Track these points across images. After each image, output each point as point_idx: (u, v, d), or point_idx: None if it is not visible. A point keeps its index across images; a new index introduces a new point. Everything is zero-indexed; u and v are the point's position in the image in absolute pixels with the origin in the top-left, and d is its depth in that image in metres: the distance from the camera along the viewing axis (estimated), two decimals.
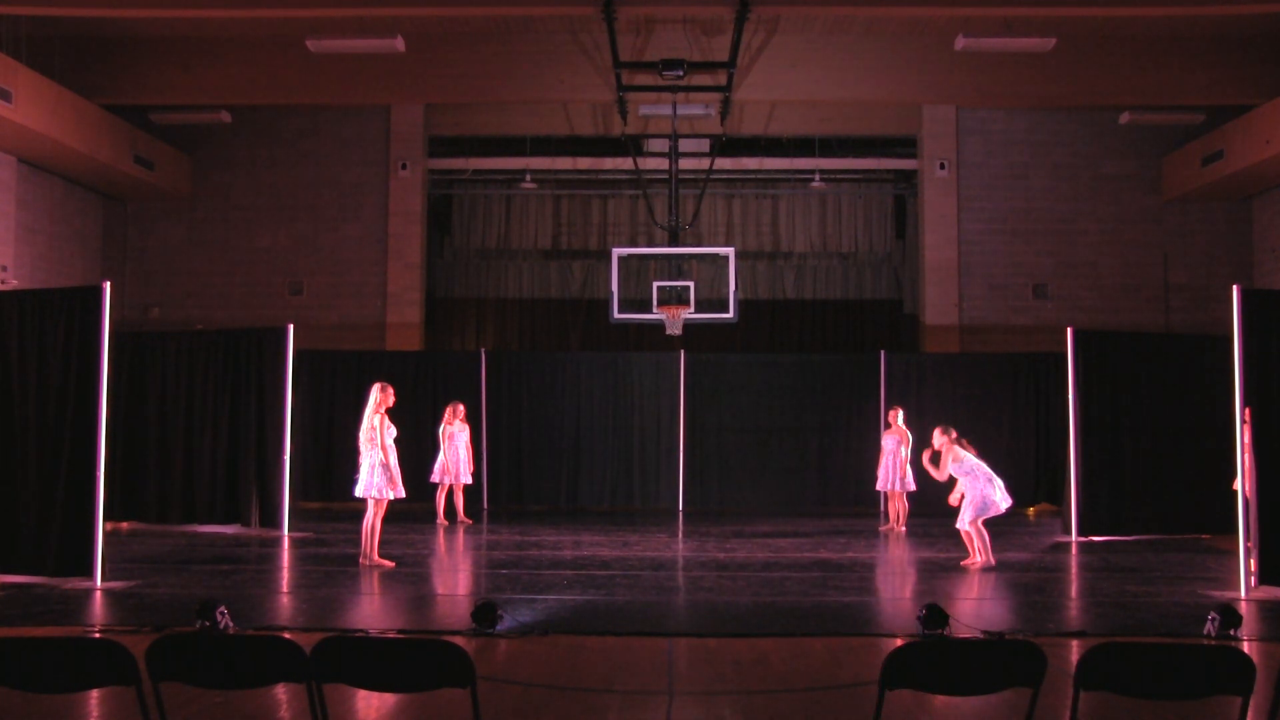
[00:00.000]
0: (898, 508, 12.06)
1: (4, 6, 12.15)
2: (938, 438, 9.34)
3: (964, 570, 9.18)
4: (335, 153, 16.62)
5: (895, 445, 11.94)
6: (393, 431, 9.19)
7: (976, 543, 9.27)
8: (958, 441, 9.27)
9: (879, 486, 12.27)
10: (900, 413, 12.15)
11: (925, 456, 9.54)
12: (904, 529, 11.89)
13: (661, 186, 15.56)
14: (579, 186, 17.16)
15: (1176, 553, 10.31)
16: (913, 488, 12.03)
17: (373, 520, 9.15)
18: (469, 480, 12.56)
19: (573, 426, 14.42)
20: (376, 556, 9.22)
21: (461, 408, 12.48)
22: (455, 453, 12.28)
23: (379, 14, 13.37)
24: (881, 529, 12.10)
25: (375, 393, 9.13)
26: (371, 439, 9.03)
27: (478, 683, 3.65)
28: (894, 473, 11.92)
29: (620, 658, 6.05)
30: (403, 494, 9.22)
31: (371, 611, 7.61)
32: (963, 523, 9.21)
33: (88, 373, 8.10)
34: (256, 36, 14.65)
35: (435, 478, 12.41)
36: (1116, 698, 3.71)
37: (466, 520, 12.57)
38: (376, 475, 8.99)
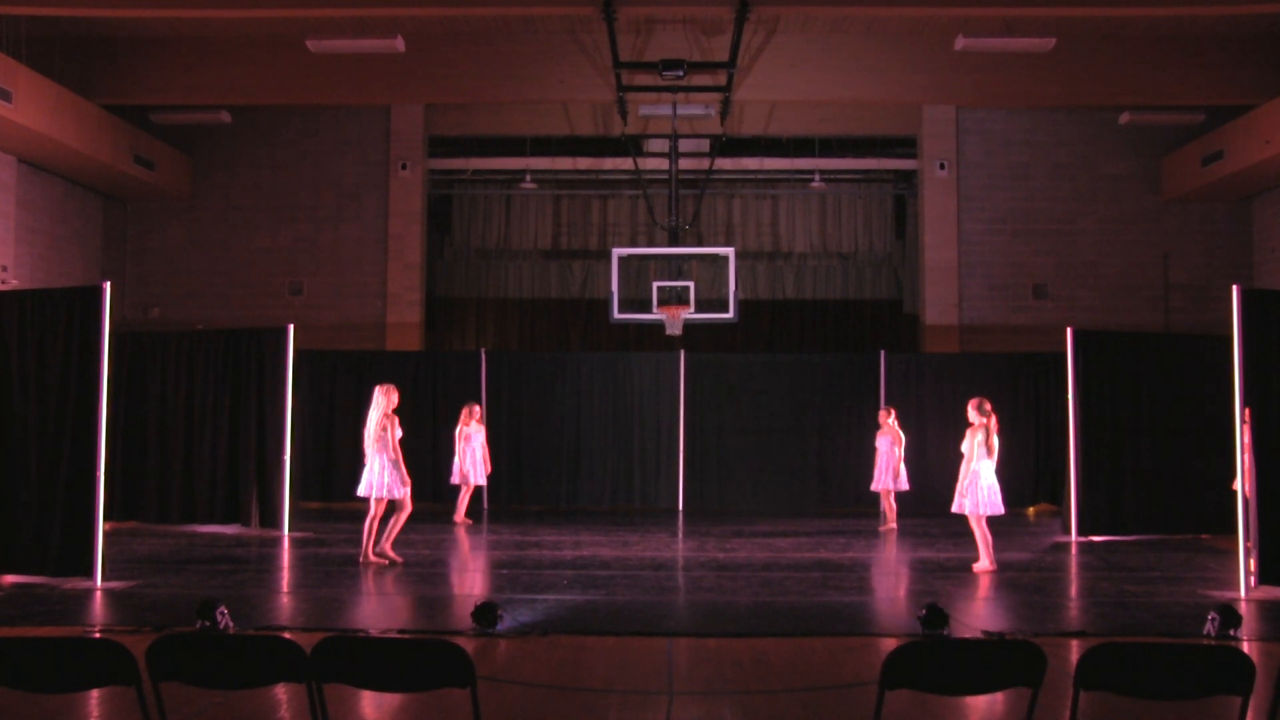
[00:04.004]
0: (889, 507, 12.04)
1: (4, 6, 12.14)
2: (974, 415, 8.98)
3: (964, 570, 9.17)
4: (335, 153, 16.62)
5: (889, 446, 11.92)
6: (398, 432, 9.27)
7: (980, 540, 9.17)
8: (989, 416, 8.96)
9: (874, 487, 12.23)
10: (893, 413, 12.14)
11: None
12: (895, 527, 11.90)
13: (661, 186, 15.56)
14: (579, 186, 17.15)
15: (1176, 553, 10.31)
16: (905, 487, 12.01)
17: (373, 518, 9.22)
18: (482, 482, 12.56)
19: (573, 426, 14.41)
20: (372, 554, 9.31)
21: (478, 409, 12.50)
22: (472, 454, 12.26)
23: (379, 14, 13.37)
24: (881, 529, 12.10)
25: (381, 395, 9.19)
26: (380, 440, 9.09)
27: (478, 683, 3.65)
28: (887, 473, 11.89)
29: (620, 658, 6.05)
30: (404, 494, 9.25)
31: (371, 611, 7.61)
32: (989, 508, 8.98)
33: (88, 373, 8.10)
34: (256, 36, 14.65)
35: (456, 479, 12.40)
36: (1116, 698, 3.71)
37: (466, 520, 12.56)
38: (387, 475, 9.07)
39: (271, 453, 11.45)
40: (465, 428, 12.32)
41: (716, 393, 14.38)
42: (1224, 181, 14.87)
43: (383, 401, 9.16)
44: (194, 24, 14.10)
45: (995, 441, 8.94)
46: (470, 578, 9.36)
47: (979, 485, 8.88)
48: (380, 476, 9.08)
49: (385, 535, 9.40)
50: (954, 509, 9.10)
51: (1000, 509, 8.99)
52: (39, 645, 3.83)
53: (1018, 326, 16.18)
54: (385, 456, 9.08)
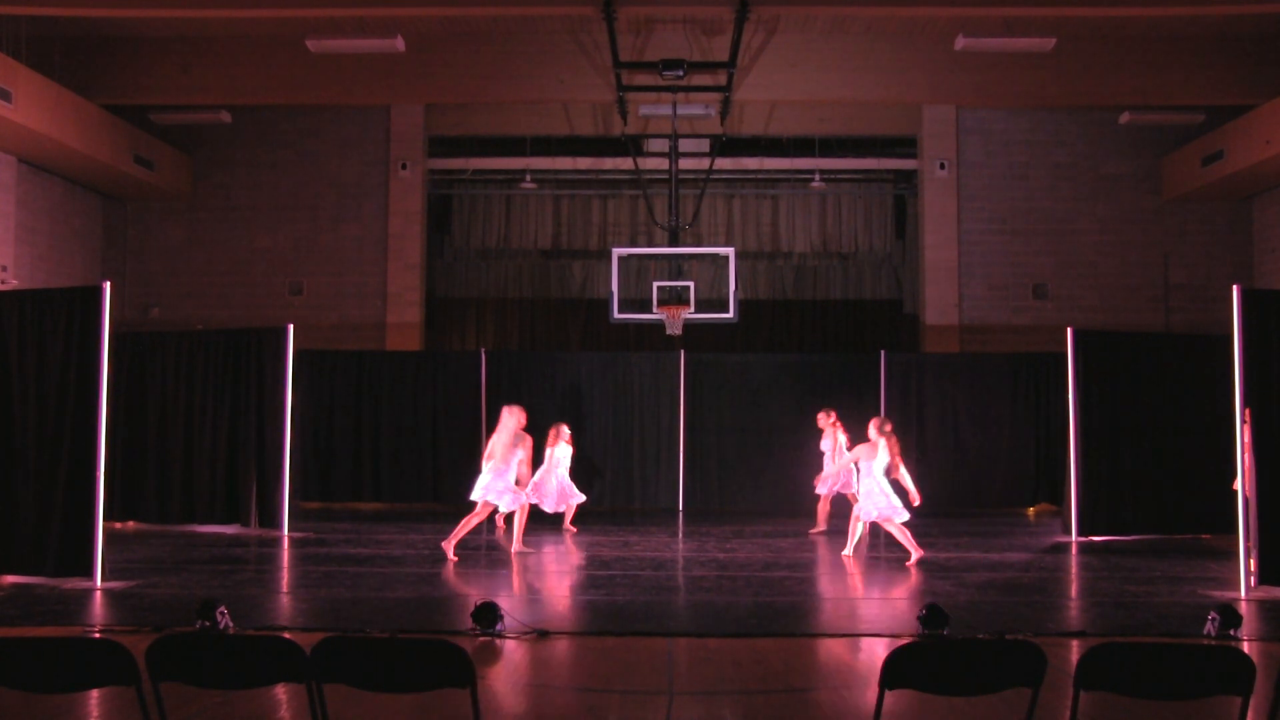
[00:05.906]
0: (822, 510, 11.76)
1: (4, 6, 12.14)
2: (873, 432, 9.66)
3: (964, 570, 9.19)
4: (335, 153, 16.61)
5: (831, 449, 11.69)
6: (524, 451, 9.93)
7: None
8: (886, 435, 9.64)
9: (818, 490, 11.90)
10: (833, 415, 11.83)
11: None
12: (824, 529, 11.63)
13: (661, 186, 15.56)
14: (579, 186, 17.15)
15: (1176, 553, 10.31)
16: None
17: (470, 519, 9.70)
18: (550, 509, 11.68)
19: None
20: (520, 544, 9.97)
21: (566, 429, 11.85)
22: (562, 477, 11.68)
23: (379, 14, 13.36)
24: (812, 532, 11.75)
25: (510, 416, 9.79)
26: (508, 456, 9.65)
27: (478, 683, 3.65)
28: (833, 477, 11.51)
29: (620, 658, 6.05)
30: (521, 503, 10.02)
31: (371, 611, 7.61)
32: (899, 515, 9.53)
33: (88, 373, 8.10)
34: (256, 36, 14.64)
35: (534, 499, 11.37)
36: (1116, 698, 3.71)
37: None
38: (500, 484, 9.61)
39: (271, 453, 11.45)
40: (553, 449, 11.61)
41: (716, 393, 14.37)
42: (1224, 181, 14.87)
43: (511, 423, 9.75)
44: (193, 24, 14.10)
45: (897, 460, 9.58)
46: (470, 578, 9.36)
47: (875, 494, 9.48)
48: (494, 483, 9.61)
49: (516, 534, 10.08)
50: (865, 519, 9.73)
51: (900, 513, 9.53)
52: (39, 645, 3.83)
53: (1018, 326, 16.18)
54: (501, 467, 9.61)
